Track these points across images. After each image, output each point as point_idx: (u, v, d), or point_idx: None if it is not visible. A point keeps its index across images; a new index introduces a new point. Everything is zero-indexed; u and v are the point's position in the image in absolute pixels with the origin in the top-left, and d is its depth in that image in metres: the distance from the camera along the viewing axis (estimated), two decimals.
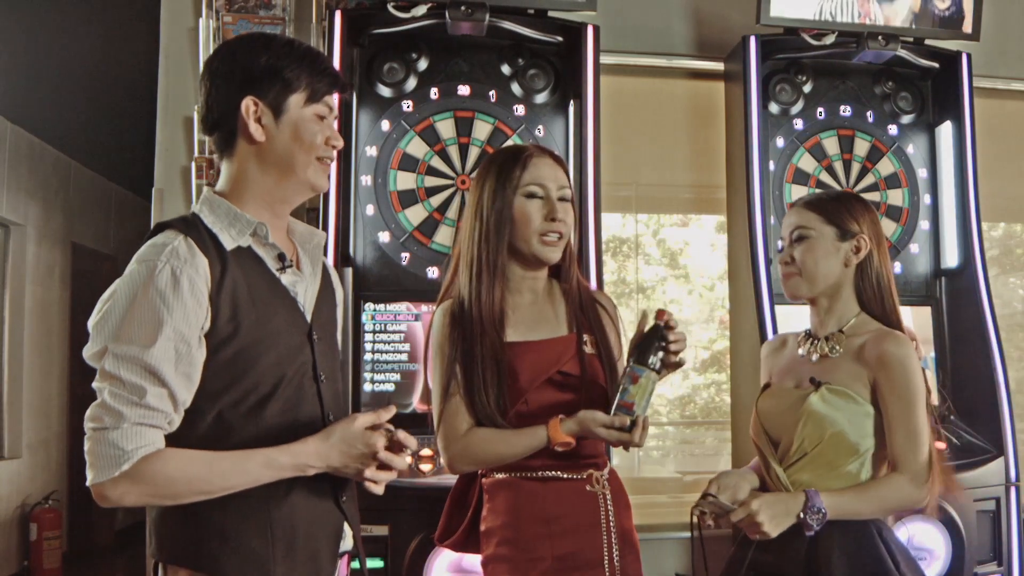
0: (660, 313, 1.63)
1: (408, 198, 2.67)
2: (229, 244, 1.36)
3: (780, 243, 1.85)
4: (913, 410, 1.67)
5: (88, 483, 1.27)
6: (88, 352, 1.31)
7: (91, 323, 1.31)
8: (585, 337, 1.75)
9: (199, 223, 1.37)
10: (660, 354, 1.61)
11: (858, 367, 1.72)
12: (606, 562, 1.69)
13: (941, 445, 2.75)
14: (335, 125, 1.48)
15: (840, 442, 1.70)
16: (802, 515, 1.61)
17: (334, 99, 1.47)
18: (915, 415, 1.67)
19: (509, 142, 2.71)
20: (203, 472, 1.29)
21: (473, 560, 2.22)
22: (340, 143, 1.46)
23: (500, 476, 1.73)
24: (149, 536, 1.38)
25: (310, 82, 1.41)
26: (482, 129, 2.72)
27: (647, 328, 1.64)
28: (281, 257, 1.43)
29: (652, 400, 1.64)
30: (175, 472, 1.28)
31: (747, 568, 1.70)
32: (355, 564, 2.05)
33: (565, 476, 1.71)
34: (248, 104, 1.38)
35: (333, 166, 2.47)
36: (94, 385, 1.29)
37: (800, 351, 1.82)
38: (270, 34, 1.47)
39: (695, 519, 1.69)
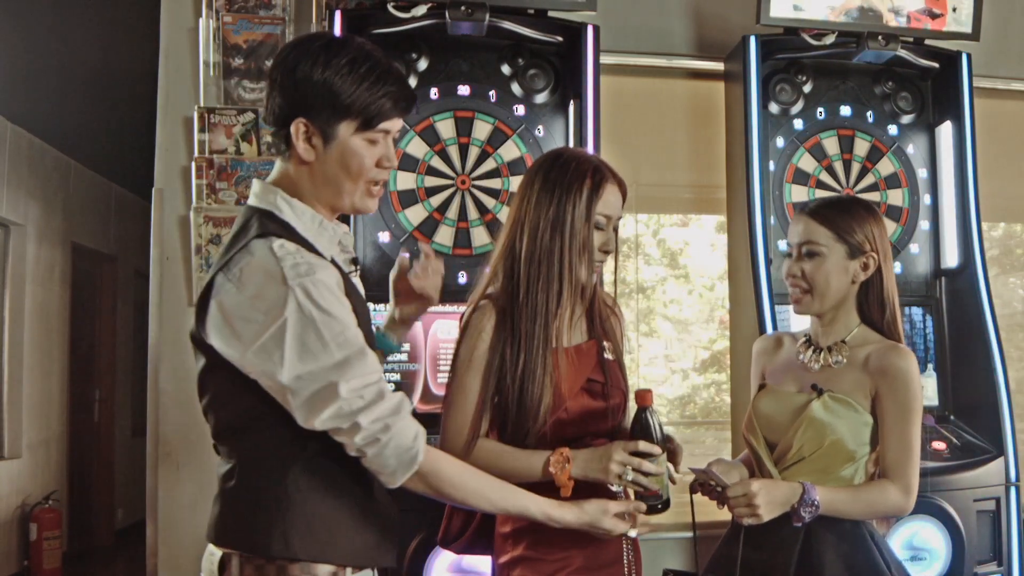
0: (640, 396, 1.61)
1: (408, 198, 2.67)
2: (326, 253, 1.37)
3: (785, 245, 1.86)
4: (910, 423, 1.70)
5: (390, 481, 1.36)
6: (290, 377, 1.26)
7: (278, 362, 1.25)
8: (605, 344, 1.76)
9: (295, 233, 1.34)
10: (660, 430, 1.59)
11: (861, 377, 1.73)
12: (624, 558, 1.70)
13: (941, 445, 2.76)
14: (392, 145, 1.41)
15: (838, 449, 1.71)
16: (796, 506, 1.64)
17: (393, 123, 1.38)
18: (911, 428, 1.70)
19: (509, 142, 2.71)
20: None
21: (473, 560, 2.22)
22: (393, 164, 1.41)
23: None
24: (219, 530, 1.34)
25: (364, 108, 1.34)
26: (482, 129, 2.72)
27: (635, 415, 1.61)
28: (355, 261, 1.44)
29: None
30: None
31: (739, 567, 1.71)
32: None
33: None
34: (298, 125, 1.35)
35: None
36: (327, 415, 1.26)
37: (801, 357, 1.83)
38: (336, 41, 1.38)
39: (691, 492, 1.72)
